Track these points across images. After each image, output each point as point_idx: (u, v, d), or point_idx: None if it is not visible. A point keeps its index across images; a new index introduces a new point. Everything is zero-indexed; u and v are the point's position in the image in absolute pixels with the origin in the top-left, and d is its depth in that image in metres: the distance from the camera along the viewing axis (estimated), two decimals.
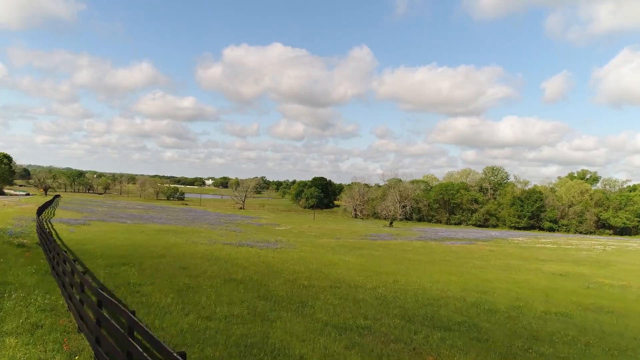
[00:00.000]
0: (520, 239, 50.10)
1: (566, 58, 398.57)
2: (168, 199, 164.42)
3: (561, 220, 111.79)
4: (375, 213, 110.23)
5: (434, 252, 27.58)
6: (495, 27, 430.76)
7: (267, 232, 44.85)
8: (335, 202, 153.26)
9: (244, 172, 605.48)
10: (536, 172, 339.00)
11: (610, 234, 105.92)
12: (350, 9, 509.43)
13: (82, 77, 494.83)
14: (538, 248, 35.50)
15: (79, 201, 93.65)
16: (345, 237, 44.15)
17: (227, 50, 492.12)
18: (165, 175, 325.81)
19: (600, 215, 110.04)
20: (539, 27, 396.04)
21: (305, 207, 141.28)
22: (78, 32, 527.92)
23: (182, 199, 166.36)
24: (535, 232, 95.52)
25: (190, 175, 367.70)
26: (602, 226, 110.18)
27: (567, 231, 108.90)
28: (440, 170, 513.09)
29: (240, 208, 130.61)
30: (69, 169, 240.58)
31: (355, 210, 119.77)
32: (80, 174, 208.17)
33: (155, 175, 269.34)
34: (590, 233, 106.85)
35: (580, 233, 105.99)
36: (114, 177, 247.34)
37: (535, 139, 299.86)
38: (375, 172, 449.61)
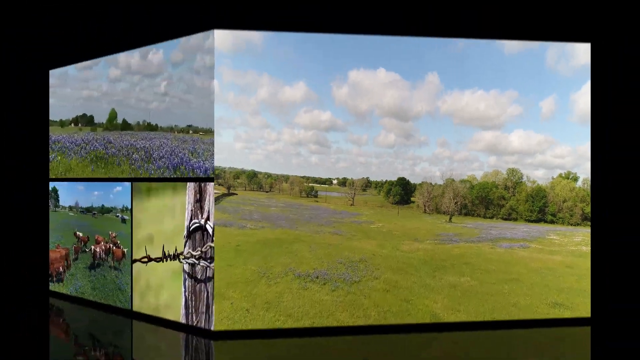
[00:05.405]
0: (554, 238, 75.27)
1: (555, 84, 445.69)
2: (307, 197, 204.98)
3: (558, 214, 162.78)
4: (437, 208, 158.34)
5: (535, 276, 9.04)
6: (517, 57, 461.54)
7: (361, 235, 28.41)
8: (412, 199, 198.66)
9: (357, 173, 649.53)
10: (530, 174, 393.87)
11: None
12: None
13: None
14: None
15: (243, 200, 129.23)
16: (423, 238, 28.99)
17: (352, 72, 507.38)
18: (307, 175, 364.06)
19: (584, 210, 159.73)
20: (543, 58, 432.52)
21: (392, 203, 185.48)
22: None
23: (316, 196, 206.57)
24: (544, 226, 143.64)
25: (324, 175, 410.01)
26: (585, 219, 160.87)
27: (562, 223, 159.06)
28: (466, 172, 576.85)
29: (351, 204, 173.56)
30: (253, 171, 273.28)
31: (425, 205, 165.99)
32: (254, 174, 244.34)
33: (304, 176, 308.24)
34: (577, 225, 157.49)
35: (571, 225, 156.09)
36: (277, 177, 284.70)
37: (533, 149, 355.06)
38: (434, 174, 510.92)
